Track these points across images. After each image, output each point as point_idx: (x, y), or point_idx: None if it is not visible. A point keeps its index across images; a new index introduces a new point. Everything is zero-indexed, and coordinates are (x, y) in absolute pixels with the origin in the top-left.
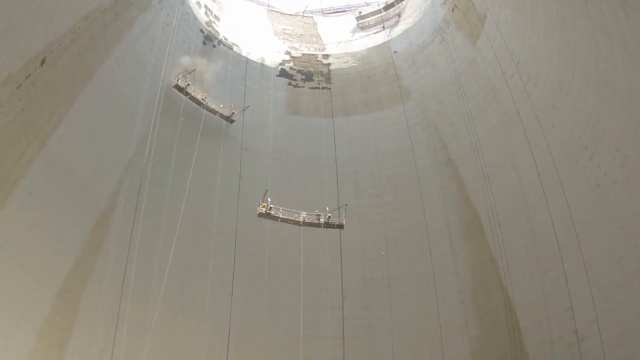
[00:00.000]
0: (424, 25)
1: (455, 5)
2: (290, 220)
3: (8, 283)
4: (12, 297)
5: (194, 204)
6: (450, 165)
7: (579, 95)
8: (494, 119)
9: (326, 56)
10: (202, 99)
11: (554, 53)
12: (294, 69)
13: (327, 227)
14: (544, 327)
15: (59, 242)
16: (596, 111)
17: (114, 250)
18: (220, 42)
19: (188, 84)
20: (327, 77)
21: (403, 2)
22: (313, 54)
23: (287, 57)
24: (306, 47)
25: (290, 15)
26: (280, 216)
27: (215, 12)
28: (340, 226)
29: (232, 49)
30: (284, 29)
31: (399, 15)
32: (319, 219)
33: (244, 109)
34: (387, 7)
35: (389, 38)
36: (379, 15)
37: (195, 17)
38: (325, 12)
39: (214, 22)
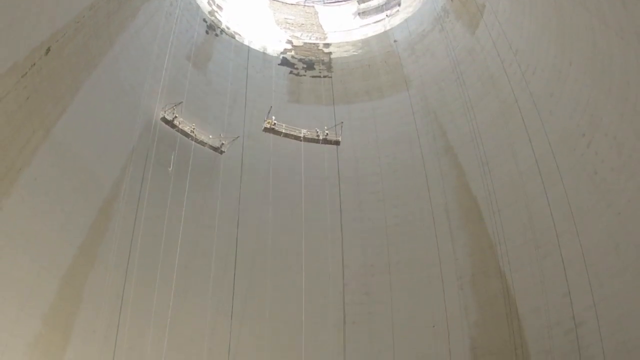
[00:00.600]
0: (424, 14)
1: None
2: (292, 135)
3: (13, 269)
4: (17, 283)
5: (197, 191)
6: (450, 152)
7: (577, 83)
8: (492, 107)
9: (327, 45)
10: (191, 130)
11: (551, 42)
12: (296, 58)
13: (325, 143)
14: (542, 313)
15: (64, 228)
16: (593, 99)
17: (118, 236)
18: (222, 31)
19: (175, 117)
20: (328, 65)
21: None
22: (314, 43)
23: (289, 46)
24: (307, 36)
25: (292, 4)
26: (283, 131)
27: (217, 1)
28: (337, 142)
29: (234, 38)
30: (285, 18)
31: (399, 4)
32: (318, 135)
33: (233, 139)
34: None
35: (389, 27)
36: (379, 4)
37: (198, 7)
38: (326, 1)
39: (216, 12)
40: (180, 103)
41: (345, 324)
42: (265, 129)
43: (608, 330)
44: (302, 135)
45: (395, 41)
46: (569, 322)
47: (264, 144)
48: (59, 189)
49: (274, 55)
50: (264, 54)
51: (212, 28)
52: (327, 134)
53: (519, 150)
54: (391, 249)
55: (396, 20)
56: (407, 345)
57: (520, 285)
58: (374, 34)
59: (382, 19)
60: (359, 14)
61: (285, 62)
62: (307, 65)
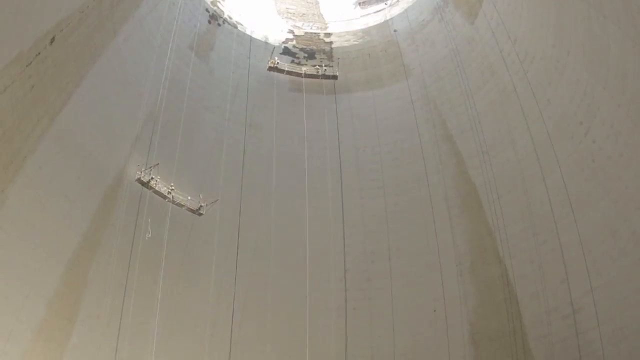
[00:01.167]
0: (423, 4)
1: None
2: (294, 72)
3: (19, 256)
4: (22, 269)
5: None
6: (449, 140)
7: (574, 72)
8: (491, 95)
9: (328, 35)
10: (168, 191)
11: (549, 31)
12: (297, 47)
13: (324, 78)
14: (540, 298)
15: (68, 215)
16: (591, 88)
17: (122, 223)
18: (225, 21)
19: (152, 178)
20: (329, 55)
21: None
22: (315, 33)
23: (290, 36)
24: (309, 25)
25: None
26: (286, 69)
27: None
28: (335, 77)
29: (236, 27)
30: (287, 8)
31: None
32: (317, 72)
33: (212, 202)
34: None
35: (389, 17)
36: None
37: None
38: None
39: (218, 2)
40: (157, 165)
41: (346, 310)
42: (270, 68)
43: (605, 315)
44: (302, 72)
45: (395, 31)
46: (567, 308)
47: (267, 133)
48: (64, 177)
49: (276, 44)
50: (266, 43)
51: (215, 18)
52: (326, 69)
53: (517, 138)
54: (391, 236)
55: (396, 10)
56: (407, 330)
57: (518, 271)
58: (374, 23)
59: (382, 9)
60: (359, 3)
61: (286, 51)
62: (309, 55)
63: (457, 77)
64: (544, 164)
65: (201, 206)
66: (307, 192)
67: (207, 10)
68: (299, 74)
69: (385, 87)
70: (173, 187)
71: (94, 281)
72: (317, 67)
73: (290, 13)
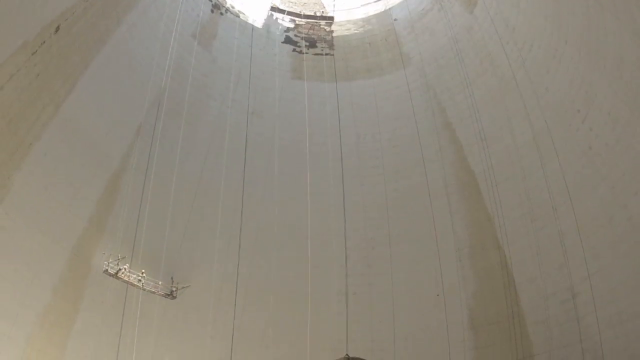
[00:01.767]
0: None
1: None
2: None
3: (24, 242)
4: (28, 254)
5: (204, 166)
6: (449, 128)
7: (572, 60)
8: (490, 83)
9: (329, 23)
10: (139, 279)
11: (547, 20)
12: (298, 36)
13: (321, 19)
14: (539, 284)
15: (73, 202)
16: (588, 76)
17: (126, 209)
18: (227, 10)
19: (120, 269)
20: (330, 43)
21: None
22: (316, 22)
23: (292, 25)
24: (310, 15)
25: None
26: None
27: None
28: (332, 18)
29: (238, 16)
30: None
31: None
32: (315, 13)
33: (184, 287)
34: None
35: (390, 6)
36: None
37: None
38: None
39: None
40: (123, 258)
41: (347, 295)
42: (273, 8)
43: (602, 300)
44: (301, 13)
45: (395, 20)
46: (565, 293)
47: (268, 120)
48: (69, 164)
49: (278, 33)
50: (268, 32)
51: (217, 7)
52: (323, 11)
53: (516, 126)
54: (391, 222)
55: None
56: (406, 315)
57: (517, 257)
58: (374, 12)
59: None
60: None
61: (288, 40)
62: (310, 44)
63: (456, 66)
64: (542, 152)
65: (173, 290)
66: (308, 179)
67: None
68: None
69: (386, 75)
70: (144, 274)
71: (99, 267)
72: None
73: (291, 2)
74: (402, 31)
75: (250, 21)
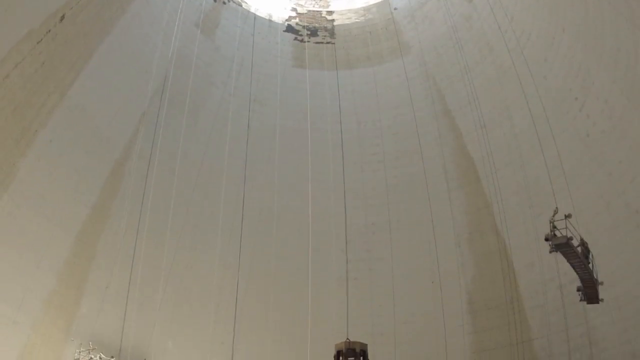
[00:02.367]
0: None
1: None
2: None
3: (30, 227)
4: (33, 240)
5: (206, 152)
6: (448, 115)
7: (569, 49)
8: (489, 71)
9: (330, 12)
10: None
11: (545, 9)
12: (300, 25)
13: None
14: (537, 269)
15: (77, 188)
16: (585, 64)
17: (130, 196)
18: None
19: (91, 358)
20: (331, 32)
21: None
22: (318, 11)
23: (294, 14)
24: (311, 4)
25: None
26: None
27: None
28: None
29: (241, 5)
30: None
31: None
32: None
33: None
34: None
35: None
36: None
37: None
38: None
39: None
40: (94, 349)
41: (347, 280)
42: None
43: (600, 285)
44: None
45: (395, 9)
46: (562, 278)
47: (270, 107)
48: (73, 150)
49: (279, 22)
50: (270, 21)
51: None
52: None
53: (514, 113)
54: (391, 208)
55: None
56: (406, 299)
57: (515, 243)
58: (375, 1)
59: None
60: None
61: (290, 29)
62: (311, 32)
63: (455, 54)
64: (540, 139)
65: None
66: (309, 165)
67: None
68: None
69: (386, 63)
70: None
71: (103, 252)
72: None
73: None
74: (402, 20)
75: (252, 10)
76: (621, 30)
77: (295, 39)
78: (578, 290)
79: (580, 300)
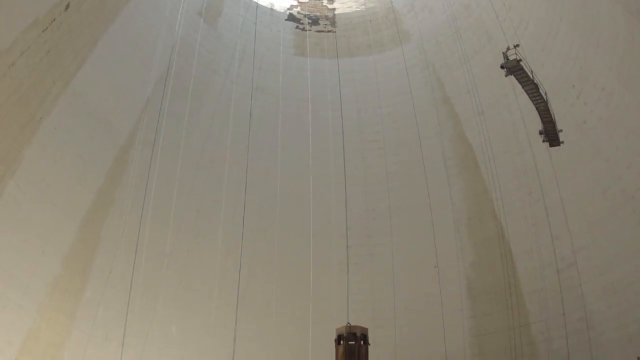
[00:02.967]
0: None
1: None
2: None
3: (35, 213)
4: (38, 226)
5: (209, 139)
6: (447, 103)
7: (567, 37)
8: (487, 59)
9: (331, 1)
10: None
11: None
12: (302, 14)
13: None
14: (535, 254)
15: (82, 174)
16: (582, 52)
17: (134, 182)
18: None
19: None
20: (332, 21)
21: None
22: (319, 0)
23: (295, 3)
24: None
25: None
26: None
27: None
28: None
29: None
30: None
31: None
32: None
33: None
34: None
35: None
36: None
37: None
38: None
39: None
40: None
41: (348, 265)
42: None
43: (597, 270)
44: None
45: None
46: (560, 263)
47: (272, 95)
48: (78, 138)
49: (281, 11)
50: (272, 10)
51: None
52: None
53: (512, 101)
54: (391, 194)
55: None
56: (406, 284)
57: (513, 228)
58: None
59: None
60: None
61: (291, 17)
62: (313, 21)
63: (454, 42)
64: (538, 126)
65: None
66: (310, 152)
67: None
68: None
69: (386, 51)
70: None
71: (108, 237)
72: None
73: None
74: (402, 9)
75: None
76: (618, 18)
77: (297, 27)
78: (540, 133)
79: (543, 141)
